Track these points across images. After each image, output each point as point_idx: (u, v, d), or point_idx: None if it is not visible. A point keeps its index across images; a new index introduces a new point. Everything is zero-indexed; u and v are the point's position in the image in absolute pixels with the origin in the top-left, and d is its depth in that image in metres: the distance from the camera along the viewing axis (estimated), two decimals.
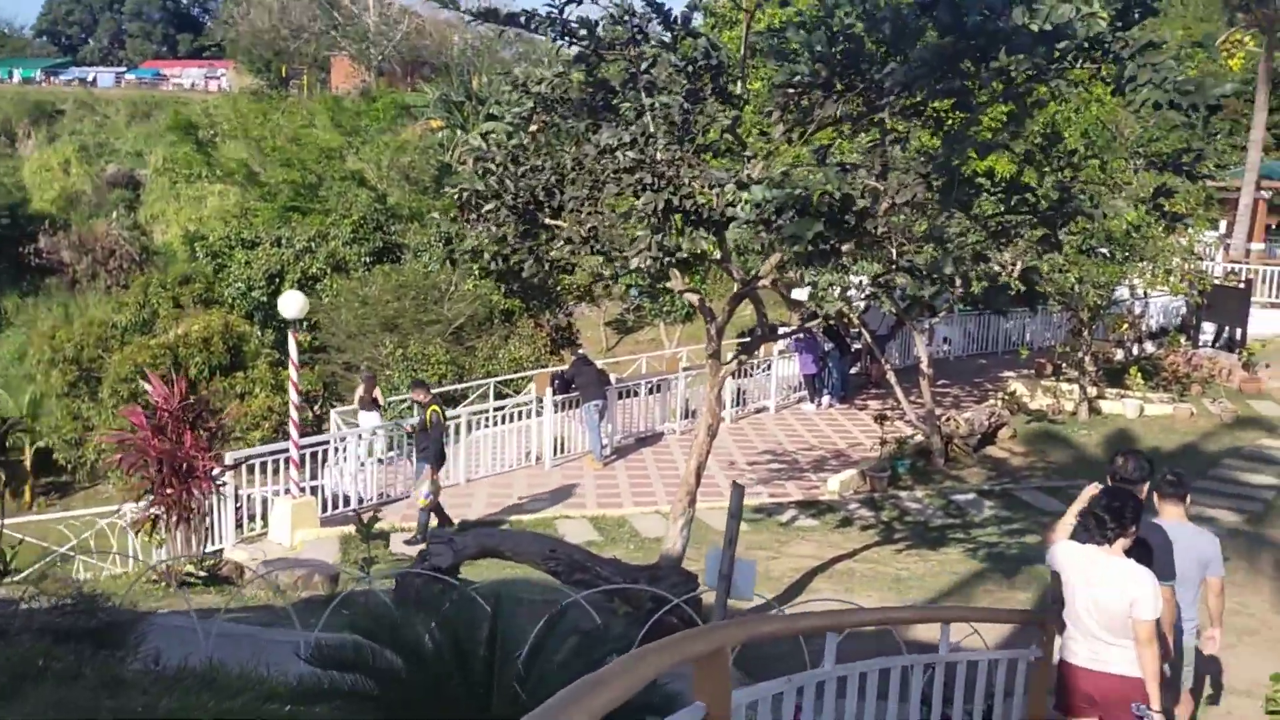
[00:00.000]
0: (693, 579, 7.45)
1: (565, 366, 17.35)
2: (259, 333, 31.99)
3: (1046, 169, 7.33)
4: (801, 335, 19.53)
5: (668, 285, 7.90)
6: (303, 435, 12.59)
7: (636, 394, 17.74)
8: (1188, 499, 6.01)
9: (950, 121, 6.66)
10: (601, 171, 6.86)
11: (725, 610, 5.85)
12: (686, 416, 17.94)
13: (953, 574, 10.71)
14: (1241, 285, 20.88)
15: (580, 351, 16.24)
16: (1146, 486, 5.70)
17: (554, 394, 15.18)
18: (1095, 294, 16.26)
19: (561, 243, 7.07)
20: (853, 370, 21.46)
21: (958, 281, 8.03)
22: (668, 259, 6.97)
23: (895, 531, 12.47)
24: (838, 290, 9.13)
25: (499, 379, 20.11)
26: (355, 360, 30.10)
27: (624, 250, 6.49)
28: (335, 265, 33.43)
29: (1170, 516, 5.84)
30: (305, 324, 31.63)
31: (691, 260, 6.65)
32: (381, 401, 16.96)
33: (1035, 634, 5.70)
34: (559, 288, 37.00)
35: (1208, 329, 21.60)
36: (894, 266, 6.77)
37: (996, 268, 7.12)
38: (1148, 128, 19.22)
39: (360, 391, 16.90)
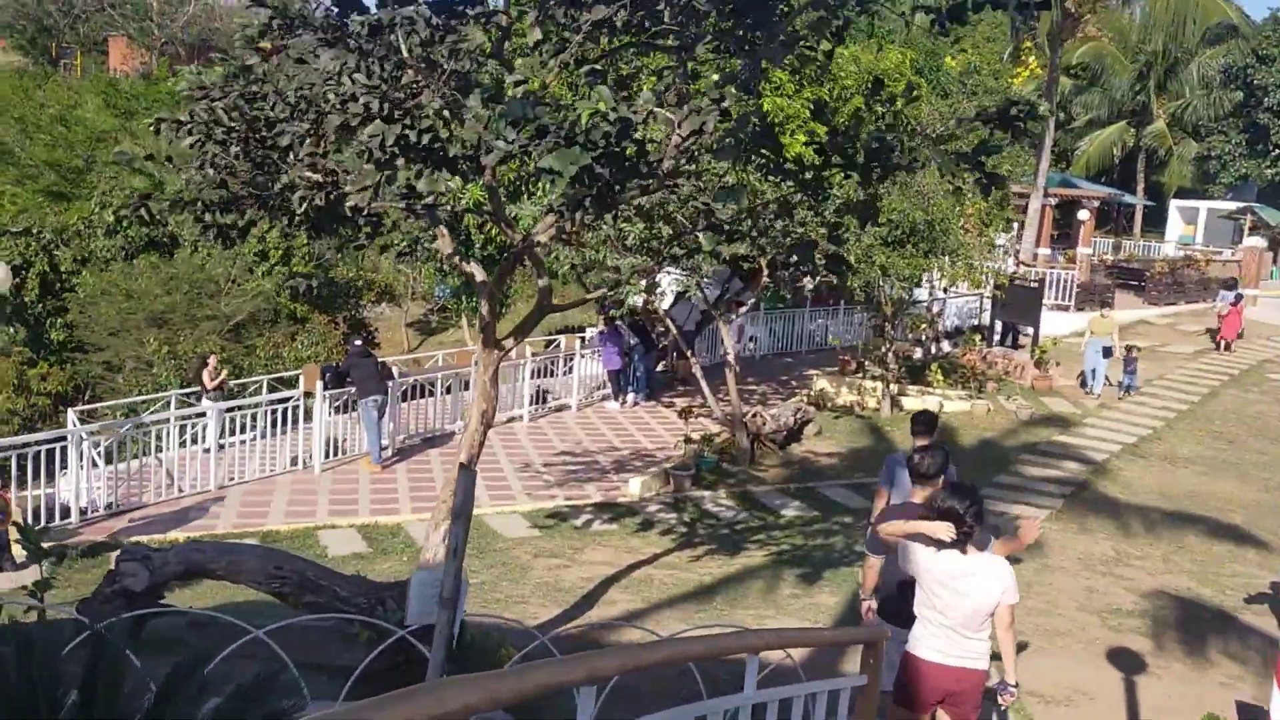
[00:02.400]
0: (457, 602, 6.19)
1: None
2: (8, 329, 28.48)
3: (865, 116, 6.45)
4: (604, 329, 18.61)
5: (431, 247, 6.62)
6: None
7: (431, 392, 16.28)
8: (940, 482, 5.82)
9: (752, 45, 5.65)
10: (326, 101, 5.52)
11: (447, 646, 4.51)
12: None
13: (756, 578, 9.85)
14: (1035, 285, 21.29)
15: (357, 342, 14.59)
16: (942, 480, 5.77)
17: (325, 388, 13.54)
18: (899, 286, 15.97)
19: (294, 190, 5.69)
20: (659, 367, 20.67)
21: (761, 239, 7.06)
22: (421, 210, 5.71)
23: (698, 534, 11.56)
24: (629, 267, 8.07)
25: (273, 376, 18.15)
26: (116, 359, 27.25)
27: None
28: (89, 257, 30.19)
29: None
30: (59, 321, 28.46)
31: (439, 205, 5.36)
32: (209, 385, 15.16)
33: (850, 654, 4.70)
34: (349, 285, 35.00)
35: (1000, 328, 22.00)
36: (692, 222, 5.74)
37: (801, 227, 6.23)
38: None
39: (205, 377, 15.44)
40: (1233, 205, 37.70)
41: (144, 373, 26.35)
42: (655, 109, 4.91)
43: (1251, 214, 35.86)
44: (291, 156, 5.74)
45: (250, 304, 29.31)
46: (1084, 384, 18.81)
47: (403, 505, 12.28)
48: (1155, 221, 43.61)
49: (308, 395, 13.70)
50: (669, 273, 20.26)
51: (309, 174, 5.67)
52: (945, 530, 4.96)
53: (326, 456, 13.73)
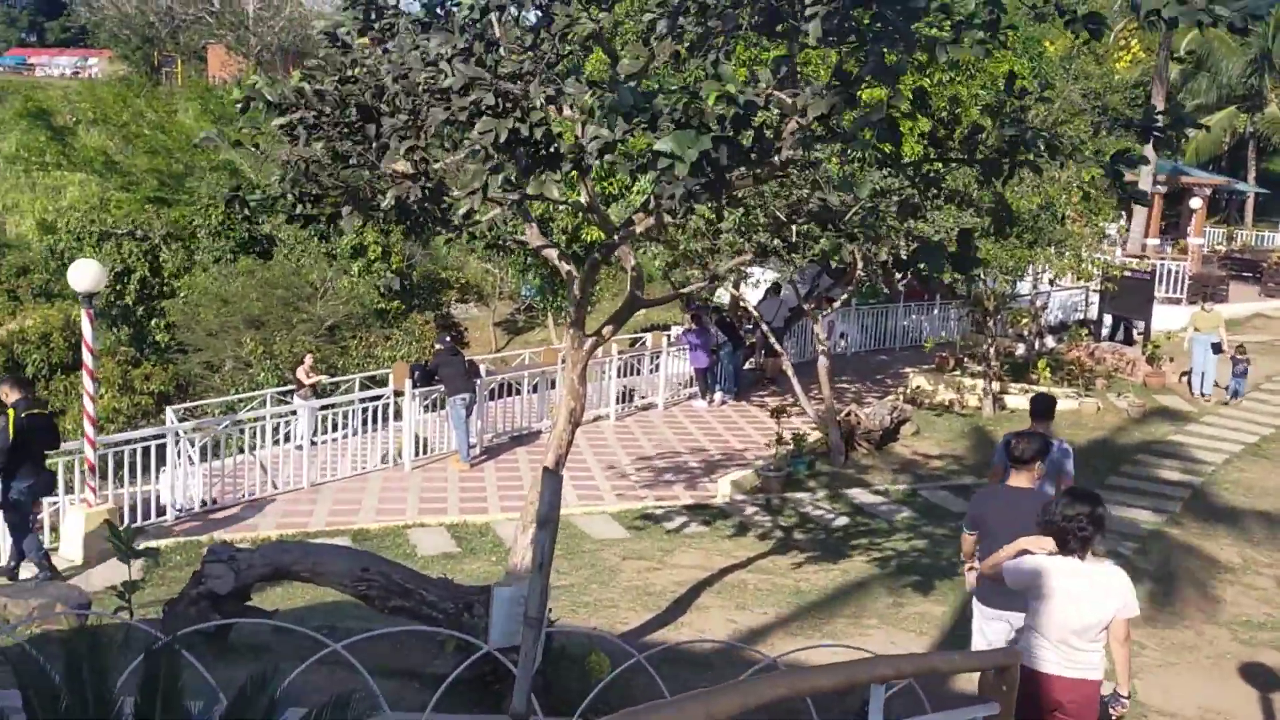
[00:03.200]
0: (547, 606, 5.90)
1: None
2: (112, 330, 29.38)
3: (996, 111, 5.97)
4: (693, 327, 18.27)
5: (519, 239, 6.37)
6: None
7: (518, 391, 16.16)
8: (1036, 466, 5.95)
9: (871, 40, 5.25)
10: (427, 91, 5.31)
11: (531, 676, 4.14)
12: None
13: (858, 585, 9.41)
14: (1146, 277, 20.30)
15: (446, 339, 14.46)
16: (1038, 464, 5.91)
17: (414, 386, 13.46)
18: (1002, 279, 15.31)
19: (386, 184, 5.48)
20: (747, 365, 20.25)
21: (880, 236, 6.65)
22: (512, 205, 5.45)
23: (792, 538, 11.15)
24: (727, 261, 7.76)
25: (365, 375, 18.22)
26: (216, 359, 27.90)
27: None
28: (191, 261, 30.94)
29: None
30: (161, 323, 29.22)
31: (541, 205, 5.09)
32: (304, 381, 15.19)
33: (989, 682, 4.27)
34: (437, 285, 35.31)
35: (1108, 322, 21.06)
36: (800, 209, 5.37)
37: (928, 228, 5.80)
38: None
39: (300, 375, 15.45)
40: None
41: (242, 372, 26.90)
42: (778, 93, 4.55)
43: None
44: (387, 149, 5.52)
45: (344, 307, 29.74)
46: (1190, 386, 17.72)
47: (491, 504, 12.12)
48: (1269, 211, 41.56)
49: (397, 394, 13.64)
50: (760, 268, 19.86)
51: (400, 167, 5.45)
52: (1048, 544, 4.80)
53: (416, 454, 13.67)
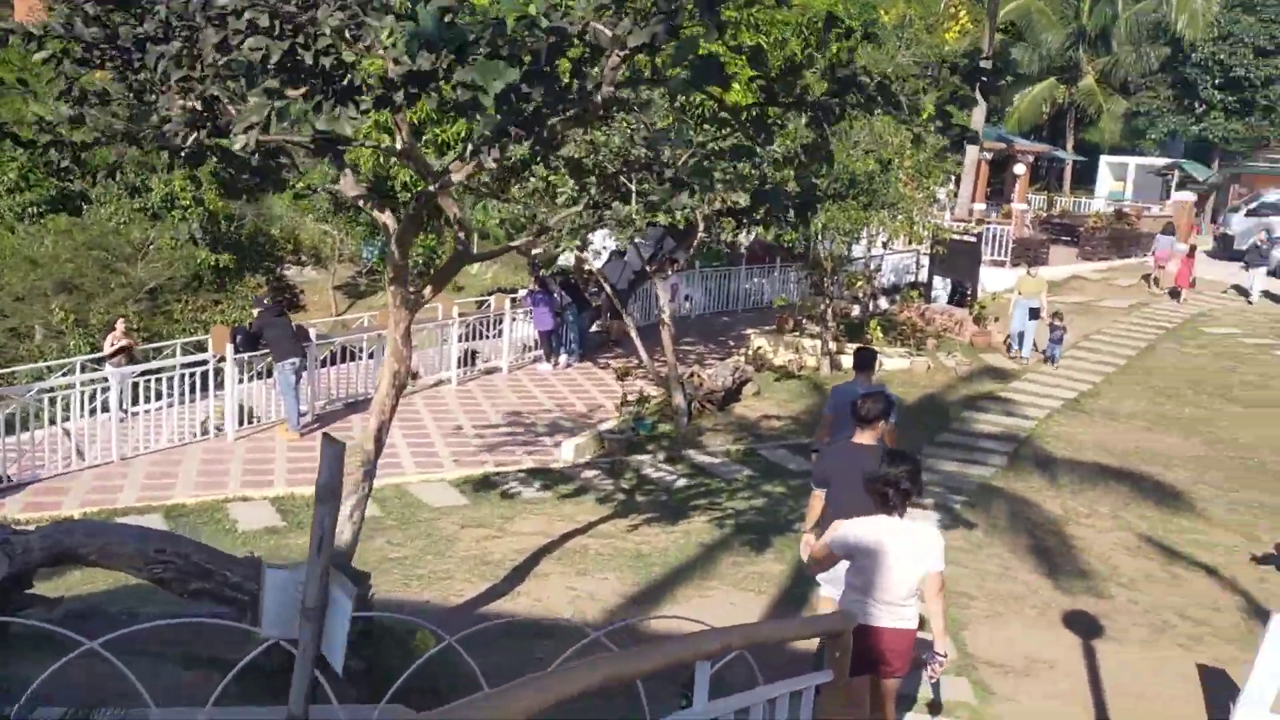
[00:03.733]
0: (361, 582, 5.49)
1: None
2: None
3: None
4: (536, 289, 17.90)
5: (331, 187, 5.88)
6: None
7: (355, 356, 15.47)
8: (879, 425, 6.22)
9: None
10: (203, 14, 4.75)
11: (309, 674, 3.66)
12: (412, 378, 15.85)
13: (699, 545, 9.34)
14: (973, 240, 21.01)
15: (265, 301, 13.59)
16: (882, 424, 6.20)
17: (236, 351, 12.66)
18: (840, 240, 15.51)
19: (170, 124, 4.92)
20: (593, 328, 20.04)
21: (712, 184, 6.43)
22: (309, 147, 4.96)
23: (635, 500, 11.02)
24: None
25: (188, 340, 17.11)
26: (23, 326, 25.89)
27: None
28: None
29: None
30: None
31: (335, 141, 4.60)
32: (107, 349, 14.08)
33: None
34: (267, 245, 33.68)
35: (939, 284, 21.73)
36: (631, 160, 5.08)
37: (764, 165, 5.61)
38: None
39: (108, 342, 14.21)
40: (1161, 161, 38.00)
41: (54, 340, 25.08)
42: (594, 24, 4.23)
43: (1178, 169, 36.17)
44: (165, 83, 4.95)
45: (167, 268, 28.01)
46: (1010, 348, 18.36)
47: None
48: (1085, 179, 43.88)
49: (220, 359, 12.79)
50: (603, 230, 19.61)
51: (185, 102, 4.90)
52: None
53: (240, 424, 12.90)
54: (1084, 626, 8.16)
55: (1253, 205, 30.08)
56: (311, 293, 35.56)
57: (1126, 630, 8.20)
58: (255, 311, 12.80)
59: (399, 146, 5.26)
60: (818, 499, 6.27)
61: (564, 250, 16.67)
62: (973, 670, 7.10)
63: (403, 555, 8.68)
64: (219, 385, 13.08)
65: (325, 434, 3.46)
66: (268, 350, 12.83)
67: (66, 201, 30.32)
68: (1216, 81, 40.29)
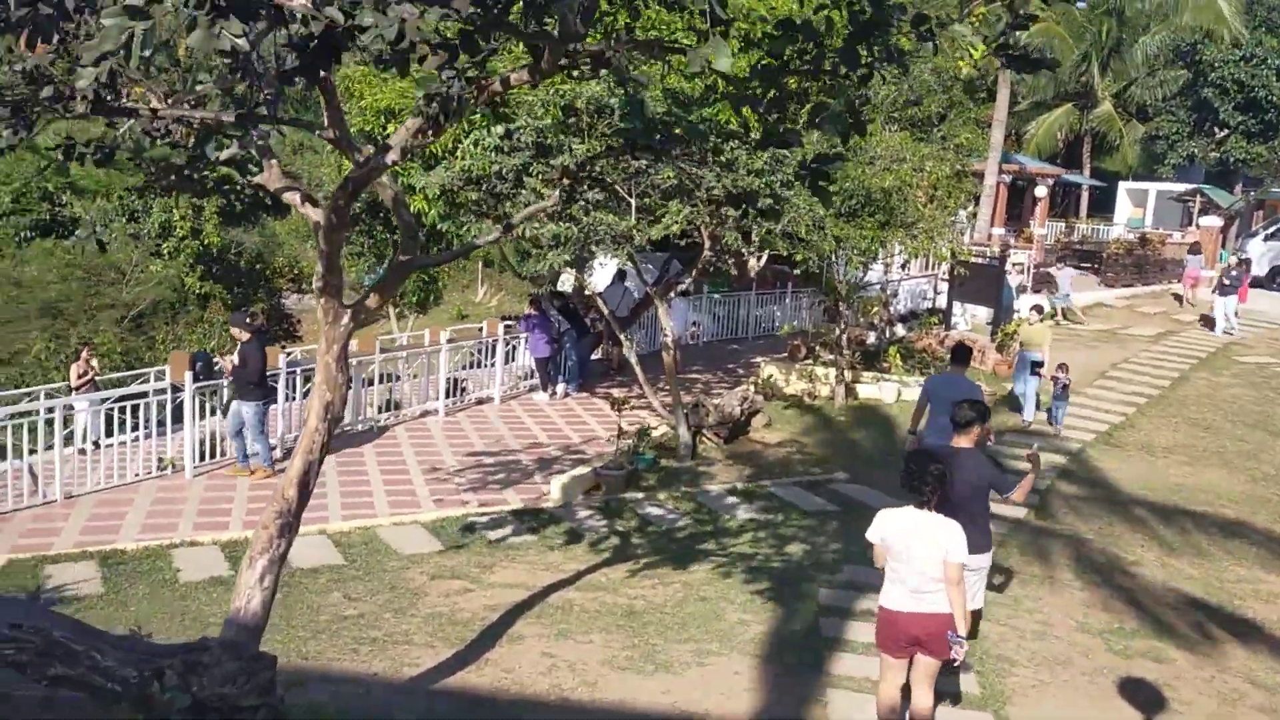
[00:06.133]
0: (265, 667, 4.37)
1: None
2: None
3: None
4: (532, 312, 16.90)
5: (256, 182, 4.87)
6: None
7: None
8: (975, 429, 6.87)
9: None
10: None
11: None
12: (389, 409, 14.84)
13: (700, 600, 8.22)
14: (995, 264, 19.95)
15: (247, 319, 12.21)
16: (977, 427, 6.84)
17: (195, 379, 11.61)
18: (855, 261, 14.48)
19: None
20: (595, 356, 19.00)
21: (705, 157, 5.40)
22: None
23: (632, 545, 9.92)
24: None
25: (161, 369, 16.12)
26: (4, 353, 25.05)
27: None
28: None
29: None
30: None
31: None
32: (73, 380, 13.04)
33: None
34: (268, 271, 32.84)
35: (958, 310, 20.70)
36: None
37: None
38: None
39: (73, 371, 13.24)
40: (1181, 187, 36.92)
41: (36, 366, 24.21)
42: None
43: (1201, 195, 35.09)
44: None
45: (153, 290, 27.21)
46: (1014, 407, 15.29)
47: None
48: (1102, 206, 42.82)
49: (175, 388, 11.75)
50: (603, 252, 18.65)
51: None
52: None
53: (202, 459, 11.85)
54: (1143, 697, 7.03)
55: (1271, 230, 29.04)
56: (310, 321, 34.67)
57: (1193, 702, 7.07)
58: (236, 331, 11.57)
59: (326, 121, 4.25)
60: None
61: (556, 267, 15.72)
62: (967, 652, 5.98)
63: (359, 613, 7.59)
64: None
65: None
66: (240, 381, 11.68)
67: (58, 226, 29.64)
68: (1236, 103, 39.28)
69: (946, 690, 6.51)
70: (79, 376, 13.99)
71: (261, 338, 11.99)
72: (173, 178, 4.63)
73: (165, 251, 27.86)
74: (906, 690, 5.69)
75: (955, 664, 5.58)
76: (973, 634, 6.99)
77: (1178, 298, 24.76)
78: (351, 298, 5.07)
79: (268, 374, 11.81)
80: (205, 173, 4.79)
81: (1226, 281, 21.88)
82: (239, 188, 5.21)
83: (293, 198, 4.69)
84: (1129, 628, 8.18)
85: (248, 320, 12.13)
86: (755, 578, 8.83)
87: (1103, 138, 42.55)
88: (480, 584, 8.44)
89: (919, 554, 5.35)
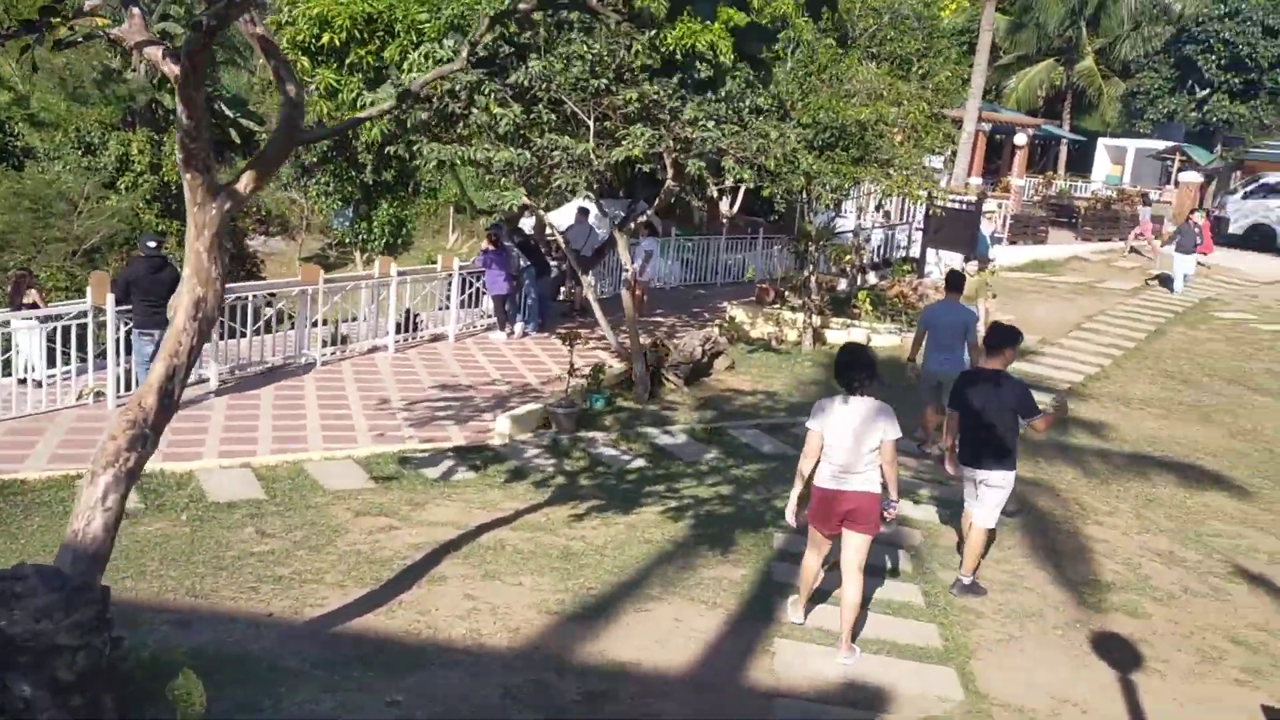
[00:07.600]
0: (90, 601, 3.67)
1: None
2: None
3: None
4: (490, 248, 16.15)
5: (115, 32, 4.13)
6: None
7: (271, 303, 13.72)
8: (1006, 352, 7.28)
9: None
10: None
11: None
12: (335, 344, 14.10)
13: (644, 542, 7.62)
14: (970, 208, 19.32)
15: (150, 243, 11.52)
16: (1008, 350, 7.25)
17: (117, 303, 10.83)
18: (827, 197, 13.80)
19: None
20: (559, 297, 18.30)
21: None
22: None
23: (578, 485, 9.31)
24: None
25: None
26: None
27: None
28: None
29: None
30: None
31: None
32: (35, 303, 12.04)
33: None
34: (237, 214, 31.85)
35: (932, 258, 20.11)
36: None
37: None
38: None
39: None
40: (1161, 145, 36.41)
41: None
42: None
43: (1181, 153, 34.60)
44: None
45: (105, 224, 26.14)
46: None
47: (209, 448, 9.76)
48: (1081, 164, 42.31)
49: (97, 311, 10.94)
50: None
51: None
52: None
53: (128, 388, 11.10)
54: (1118, 654, 6.51)
55: (1250, 188, 28.59)
56: (277, 264, 33.74)
57: (1170, 659, 6.56)
58: (134, 253, 10.77)
59: None
60: (955, 417, 7.20)
61: (515, 207, 14.98)
62: (987, 718, 5.44)
63: (268, 549, 6.93)
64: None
65: None
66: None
67: (7, 156, 28.41)
68: (1221, 62, 38.72)
69: (878, 565, 7.20)
70: (27, 306, 13.12)
71: (150, 261, 11.16)
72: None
73: (122, 186, 26.91)
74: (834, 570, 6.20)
75: (888, 521, 6.09)
76: (984, 553, 7.39)
77: (1135, 251, 24.91)
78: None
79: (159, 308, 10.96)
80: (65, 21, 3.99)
81: (1184, 239, 21.21)
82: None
83: (154, 52, 3.97)
84: (1104, 580, 7.67)
85: (151, 244, 11.38)
86: (707, 521, 8.25)
87: (1082, 94, 41.95)
88: (408, 521, 7.79)
89: (855, 437, 5.76)
